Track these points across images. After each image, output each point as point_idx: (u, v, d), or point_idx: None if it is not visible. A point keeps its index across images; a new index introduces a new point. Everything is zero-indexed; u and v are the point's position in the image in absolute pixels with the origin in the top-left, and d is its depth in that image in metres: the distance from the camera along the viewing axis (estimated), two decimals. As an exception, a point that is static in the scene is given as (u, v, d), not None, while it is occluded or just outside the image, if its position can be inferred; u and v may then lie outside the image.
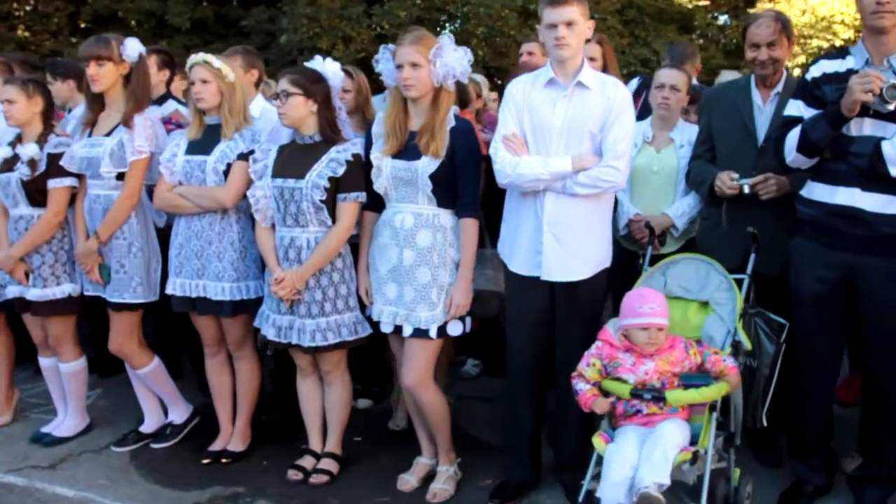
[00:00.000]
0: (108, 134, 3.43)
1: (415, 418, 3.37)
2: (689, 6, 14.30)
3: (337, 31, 12.26)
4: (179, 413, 3.80)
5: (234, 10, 14.01)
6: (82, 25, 14.52)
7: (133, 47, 3.42)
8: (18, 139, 3.63)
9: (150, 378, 3.68)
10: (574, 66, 2.92)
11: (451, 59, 3.00)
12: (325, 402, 3.43)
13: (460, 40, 3.23)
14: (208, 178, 3.30)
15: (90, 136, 3.50)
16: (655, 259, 3.21)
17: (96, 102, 3.52)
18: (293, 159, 3.18)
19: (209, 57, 3.32)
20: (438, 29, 13.88)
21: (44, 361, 3.83)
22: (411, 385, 3.12)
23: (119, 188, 3.41)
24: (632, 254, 3.47)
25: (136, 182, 3.41)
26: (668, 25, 14.32)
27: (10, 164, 3.57)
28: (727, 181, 3.14)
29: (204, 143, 3.36)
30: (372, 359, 3.97)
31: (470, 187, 3.07)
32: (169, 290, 3.44)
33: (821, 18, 13.84)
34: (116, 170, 3.39)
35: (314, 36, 12.09)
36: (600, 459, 2.69)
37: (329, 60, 3.27)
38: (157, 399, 3.81)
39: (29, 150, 3.50)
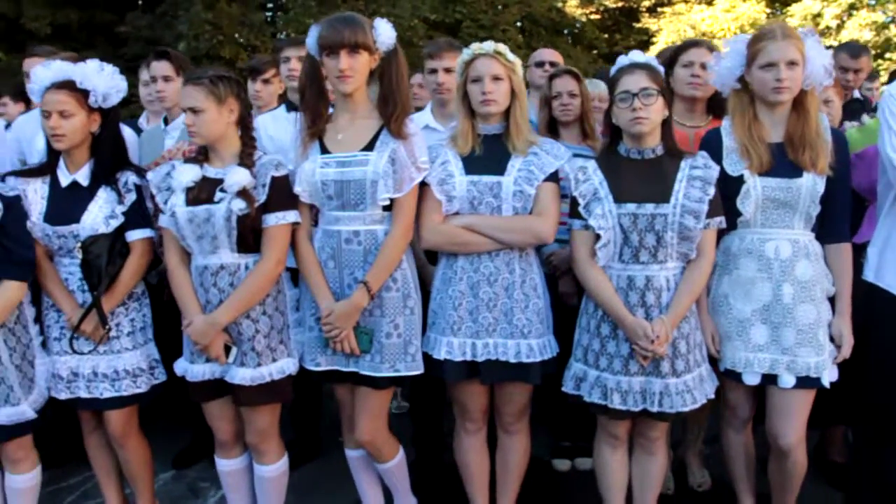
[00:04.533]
0: (367, 148, 2.51)
1: (746, 481, 2.84)
2: (583, 19, 14.64)
3: (241, 39, 11.08)
4: (408, 509, 2.96)
5: (103, 15, 12.28)
6: None
7: (386, 32, 2.52)
8: (203, 154, 2.61)
9: (393, 472, 2.80)
10: None
11: (821, 57, 2.54)
12: (633, 475, 2.79)
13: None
14: (505, 204, 2.55)
15: (323, 151, 2.56)
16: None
17: (321, 106, 2.58)
18: (634, 178, 2.51)
19: (501, 47, 2.57)
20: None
21: (227, 464, 2.78)
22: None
23: (384, 221, 2.53)
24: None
25: (412, 210, 2.54)
26: (562, 37, 14.60)
27: (205, 192, 2.51)
28: None
29: (486, 159, 2.59)
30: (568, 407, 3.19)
31: (848, 206, 2.63)
32: (441, 355, 2.61)
33: (702, 34, 14.75)
34: (392, 195, 2.50)
35: (217, 44, 10.83)
36: None
37: None
38: (383, 492, 2.93)
39: (240, 176, 2.47)
